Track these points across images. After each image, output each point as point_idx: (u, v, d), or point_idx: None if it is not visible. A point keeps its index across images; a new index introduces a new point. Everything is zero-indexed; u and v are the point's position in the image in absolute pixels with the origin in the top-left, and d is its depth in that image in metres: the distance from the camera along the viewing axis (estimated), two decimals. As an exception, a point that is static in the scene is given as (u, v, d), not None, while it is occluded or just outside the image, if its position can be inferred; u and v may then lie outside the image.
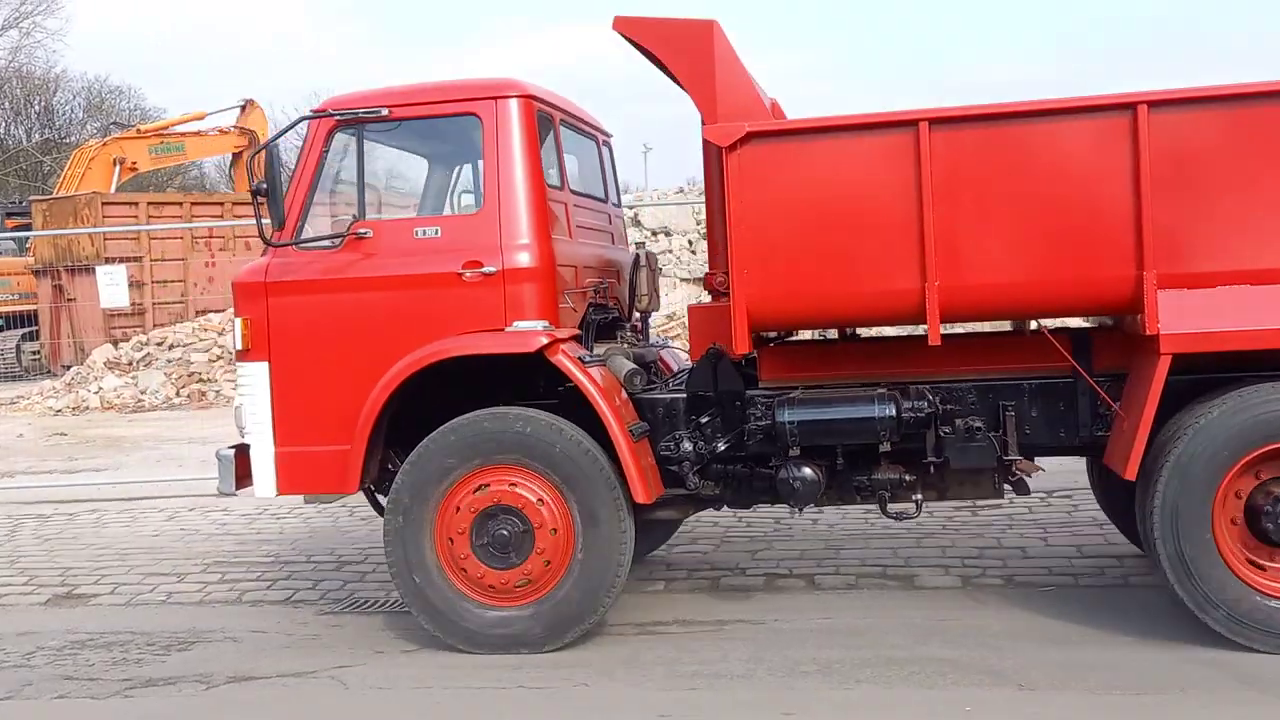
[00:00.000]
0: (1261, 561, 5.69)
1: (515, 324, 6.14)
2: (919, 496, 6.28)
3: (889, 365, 6.34)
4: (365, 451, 6.17)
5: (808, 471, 6.17)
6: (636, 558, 6.67)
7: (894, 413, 6.05)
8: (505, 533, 6.08)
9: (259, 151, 6.26)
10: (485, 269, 6.15)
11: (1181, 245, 5.62)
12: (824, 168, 5.91)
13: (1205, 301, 5.60)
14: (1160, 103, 5.64)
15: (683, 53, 6.25)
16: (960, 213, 5.75)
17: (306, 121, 6.47)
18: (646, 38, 6.34)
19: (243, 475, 6.47)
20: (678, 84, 6.36)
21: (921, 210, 5.74)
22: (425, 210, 6.87)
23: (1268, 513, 5.64)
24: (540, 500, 6.09)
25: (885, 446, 6.13)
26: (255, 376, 6.41)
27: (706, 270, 6.87)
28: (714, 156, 6.26)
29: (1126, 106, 5.64)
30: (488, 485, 6.11)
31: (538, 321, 6.14)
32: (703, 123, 6.11)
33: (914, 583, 7.15)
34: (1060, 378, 6.19)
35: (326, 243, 6.34)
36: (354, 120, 6.33)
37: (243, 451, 6.47)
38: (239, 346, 6.43)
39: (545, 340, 6.07)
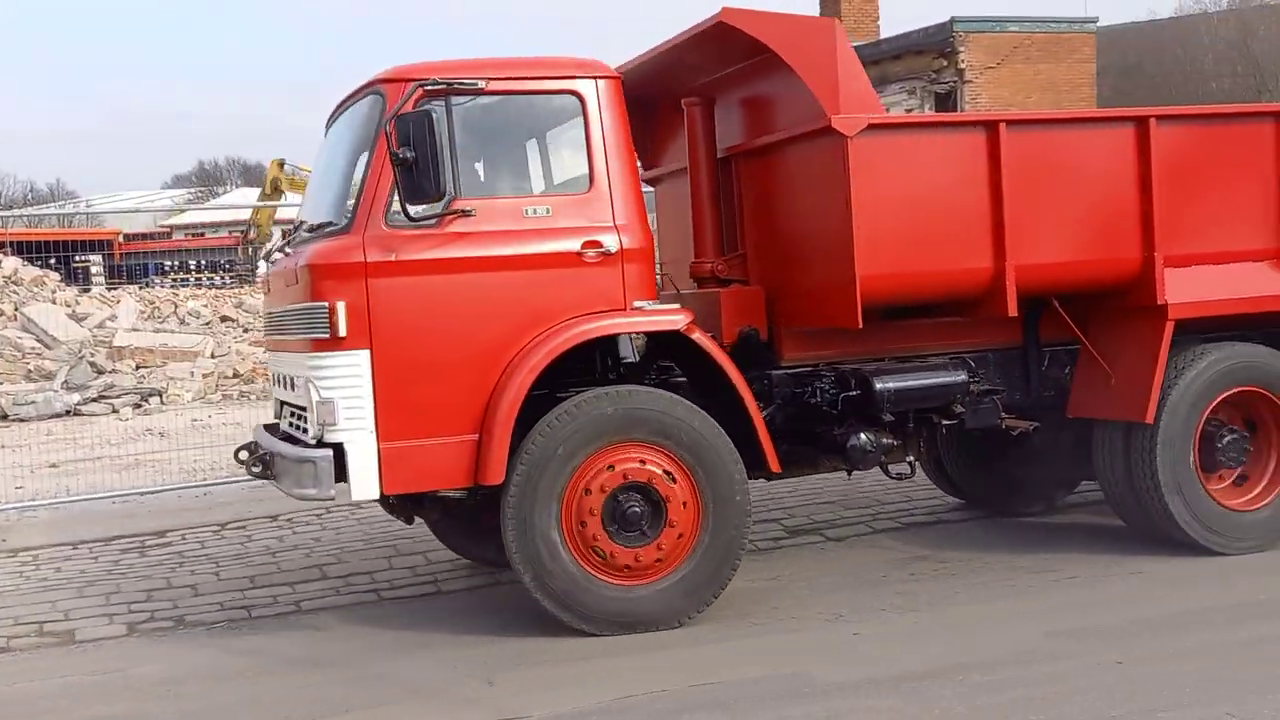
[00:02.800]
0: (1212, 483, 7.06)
1: (636, 303, 6.15)
2: (912, 458, 7.01)
3: (889, 342, 6.94)
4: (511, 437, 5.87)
5: (868, 437, 6.66)
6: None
7: (966, 379, 6.84)
8: (637, 510, 6.03)
9: (399, 118, 5.72)
10: (606, 248, 6.08)
11: (1179, 233, 6.81)
12: (926, 160, 6.52)
13: (1195, 277, 6.87)
14: (1165, 117, 6.90)
15: (805, 48, 6.44)
16: (1029, 203, 6.59)
17: (375, 93, 6.04)
18: (764, 31, 6.45)
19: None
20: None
21: (1001, 200, 6.53)
22: (508, 189, 6.42)
23: (1216, 444, 7.00)
24: (669, 475, 6.07)
25: (959, 408, 6.86)
26: (352, 366, 5.80)
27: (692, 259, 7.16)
28: (819, 145, 6.42)
29: (1140, 119, 6.84)
30: (616, 464, 6.03)
31: (649, 300, 6.22)
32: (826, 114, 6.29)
33: (75, 637, 6.67)
34: (1012, 348, 7.18)
35: (431, 221, 5.89)
36: (444, 91, 5.90)
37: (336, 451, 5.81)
38: (338, 334, 5.75)
39: (688, 319, 6.19)
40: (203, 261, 37.01)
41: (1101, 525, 7.84)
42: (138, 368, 18.08)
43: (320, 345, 5.84)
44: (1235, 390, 7.02)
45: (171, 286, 29.56)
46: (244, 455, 6.56)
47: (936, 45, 32.35)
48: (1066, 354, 7.21)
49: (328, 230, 6.11)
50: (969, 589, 6.60)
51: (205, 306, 23.12)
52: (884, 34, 36.26)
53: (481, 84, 6.00)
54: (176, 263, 37.52)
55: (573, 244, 6.09)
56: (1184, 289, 6.84)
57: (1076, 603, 6.27)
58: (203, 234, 52.27)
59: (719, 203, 7.16)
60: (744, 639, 5.98)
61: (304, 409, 6.05)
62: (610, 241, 6.12)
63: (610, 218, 6.15)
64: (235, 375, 18.11)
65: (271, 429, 6.80)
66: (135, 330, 19.93)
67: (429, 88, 5.90)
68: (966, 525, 8.10)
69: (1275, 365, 7.08)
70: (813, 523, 8.25)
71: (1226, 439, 7.05)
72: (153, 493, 10.14)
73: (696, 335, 6.22)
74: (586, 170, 6.21)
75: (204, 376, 17.75)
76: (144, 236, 52.34)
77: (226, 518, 8.99)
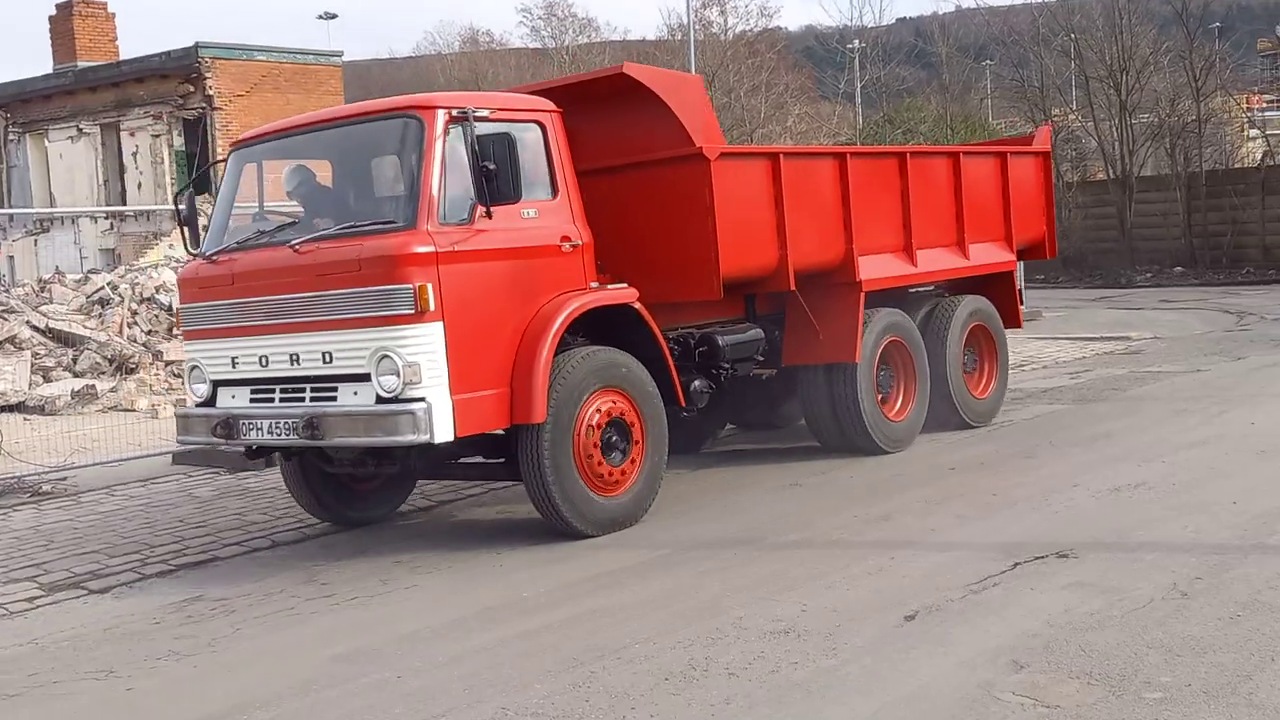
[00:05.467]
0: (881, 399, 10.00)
1: (592, 284, 7.91)
2: (706, 393, 8.91)
3: (694, 315, 9.13)
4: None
5: (701, 382, 8.86)
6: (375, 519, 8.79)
7: (764, 335, 9.45)
8: (615, 438, 7.85)
9: (482, 138, 7.17)
10: (574, 242, 7.83)
11: (866, 234, 9.71)
12: (748, 179, 8.90)
13: (872, 263, 9.79)
14: (856, 154, 10.19)
15: (683, 95, 8.65)
16: (797, 211, 9.12)
17: (413, 116, 7.32)
18: (654, 82, 8.57)
19: None
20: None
21: (784, 209, 9.02)
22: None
23: (879, 376, 9.94)
24: (633, 412, 7.95)
25: (760, 357, 9.42)
26: (432, 336, 6.99)
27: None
28: (688, 166, 8.54)
29: (839, 155, 9.94)
30: (605, 403, 7.78)
31: (596, 282, 7.97)
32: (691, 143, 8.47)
33: None
34: (741, 319, 9.53)
35: (467, 219, 7.28)
36: (464, 118, 7.28)
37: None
38: (427, 309, 6.94)
39: (636, 294, 8.12)
40: None
41: (373, 543, 8.12)
42: None
43: (403, 320, 6.96)
44: (888, 340, 9.96)
45: None
46: (222, 431, 7.59)
47: (182, 70, 31.57)
48: (773, 321, 9.71)
49: (384, 228, 7.17)
50: (251, 624, 6.45)
51: None
52: (124, 55, 34.74)
53: (488, 113, 7.44)
54: None
55: (554, 239, 7.73)
56: (869, 270, 9.71)
57: (355, 624, 6.33)
58: None
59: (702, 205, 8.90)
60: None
61: (332, 379, 7.20)
62: (575, 237, 7.81)
63: (571, 219, 7.87)
64: None
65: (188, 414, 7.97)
66: None
67: (456, 114, 7.29)
68: (240, 560, 7.92)
69: (904, 321, 10.21)
70: (74, 576, 7.62)
71: (881, 373, 9.94)
72: None
73: (638, 306, 8.06)
74: (549, 181, 7.83)
75: None
76: None
77: None
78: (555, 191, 7.86)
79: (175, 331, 17.70)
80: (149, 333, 17.69)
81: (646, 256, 8.57)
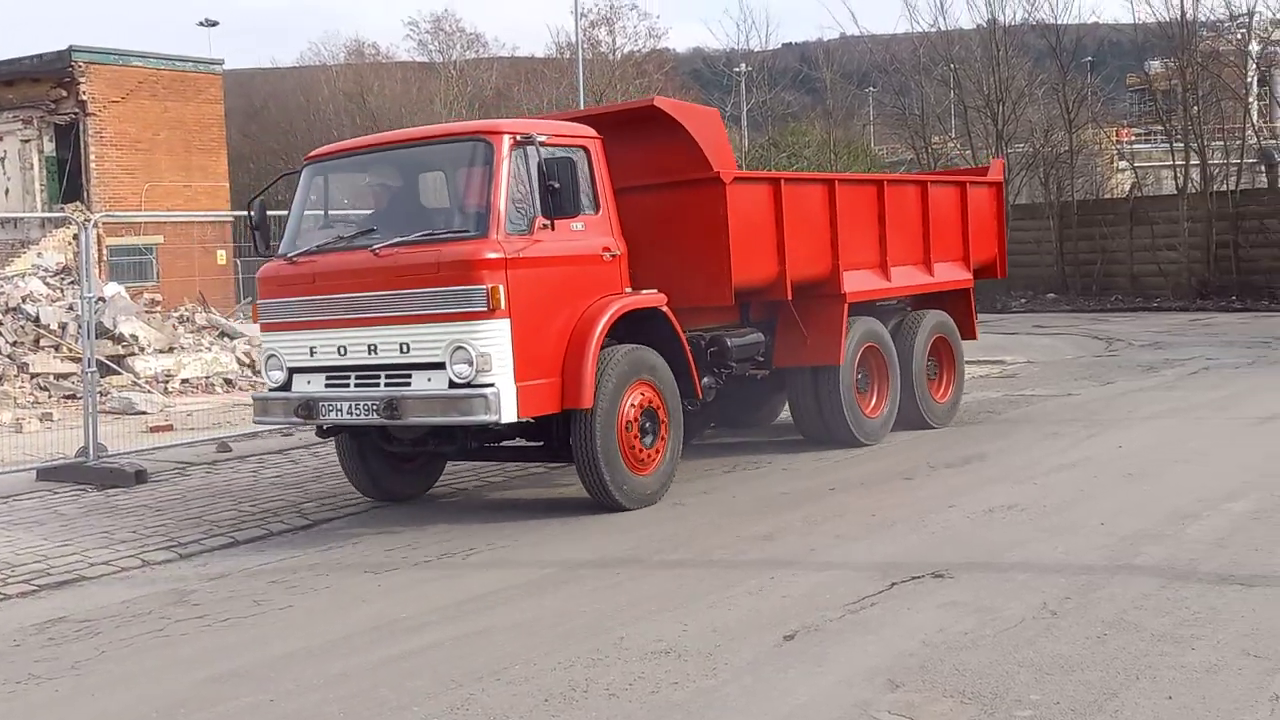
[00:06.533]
0: (860, 398, 11.20)
1: (627, 289, 8.97)
2: (714, 389, 10.04)
3: (701, 319, 10.02)
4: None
5: (711, 379, 9.94)
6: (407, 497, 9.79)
7: (765, 338, 10.68)
8: (649, 424, 8.92)
9: (548, 160, 8.27)
10: (613, 252, 8.94)
11: (849, 252, 10.93)
12: (755, 201, 10.08)
13: (855, 277, 11.02)
14: (843, 180, 11.31)
15: (704, 126, 9.86)
16: (795, 230, 10.32)
17: (483, 140, 8.39)
18: (680, 114, 9.78)
19: None
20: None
21: (784, 228, 10.22)
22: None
23: (858, 376, 11.13)
24: (659, 401, 9.01)
25: (760, 358, 10.67)
26: (502, 330, 7.99)
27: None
28: (706, 188, 9.68)
29: (829, 181, 11.09)
30: (640, 394, 8.86)
31: (629, 288, 9.00)
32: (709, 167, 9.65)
33: None
34: (736, 324, 10.61)
35: (527, 229, 8.28)
36: (526, 142, 8.32)
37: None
38: (498, 307, 7.94)
39: (665, 299, 9.14)
40: None
41: (248, 562, 7.93)
42: None
43: (477, 316, 7.93)
44: (865, 346, 11.17)
45: None
46: (302, 412, 8.49)
47: (54, 74, 30.73)
48: (764, 327, 10.78)
49: (458, 236, 8.18)
50: (117, 645, 6.22)
51: None
52: (-5, 57, 33.65)
53: (544, 139, 8.41)
54: None
55: (597, 249, 8.80)
56: (851, 284, 10.95)
57: (227, 645, 6.14)
58: None
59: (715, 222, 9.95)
60: None
61: (407, 366, 8.14)
62: (613, 248, 8.89)
63: (610, 231, 8.95)
64: None
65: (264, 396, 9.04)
66: None
67: (520, 139, 8.32)
68: (108, 580, 7.64)
69: (879, 330, 11.41)
70: (-70, 597, 7.30)
71: (859, 375, 11.13)
72: None
73: (666, 310, 9.11)
74: (593, 198, 8.88)
75: None
76: None
77: None
78: (598, 207, 8.93)
79: (41, 343, 17.15)
80: (14, 344, 17.11)
81: (665, 266, 9.48)
